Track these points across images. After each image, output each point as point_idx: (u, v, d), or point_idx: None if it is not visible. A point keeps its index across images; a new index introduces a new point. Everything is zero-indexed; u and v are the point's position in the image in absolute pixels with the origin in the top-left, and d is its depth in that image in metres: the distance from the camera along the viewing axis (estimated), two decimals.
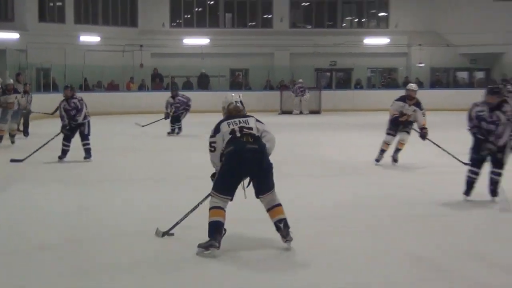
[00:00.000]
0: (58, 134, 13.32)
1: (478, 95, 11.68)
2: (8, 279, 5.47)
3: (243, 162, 5.47)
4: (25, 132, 17.37)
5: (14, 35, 28.37)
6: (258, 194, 5.66)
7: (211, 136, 5.73)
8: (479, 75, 34.39)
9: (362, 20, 36.17)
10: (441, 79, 33.32)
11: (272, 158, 6.64)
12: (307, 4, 35.57)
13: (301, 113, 27.70)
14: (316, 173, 11.17)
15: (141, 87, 30.13)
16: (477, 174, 8.00)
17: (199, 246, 5.36)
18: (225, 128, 5.65)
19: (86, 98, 18.49)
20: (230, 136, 5.57)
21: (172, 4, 34.11)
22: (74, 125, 12.49)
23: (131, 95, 29.29)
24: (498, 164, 7.83)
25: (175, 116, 18.10)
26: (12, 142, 15.47)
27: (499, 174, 7.84)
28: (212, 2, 34.81)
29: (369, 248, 6.23)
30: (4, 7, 29.66)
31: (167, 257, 5.69)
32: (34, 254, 6.41)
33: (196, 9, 34.68)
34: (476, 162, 7.99)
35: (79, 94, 15.07)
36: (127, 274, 5.46)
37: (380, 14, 35.82)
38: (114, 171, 12.40)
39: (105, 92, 29.71)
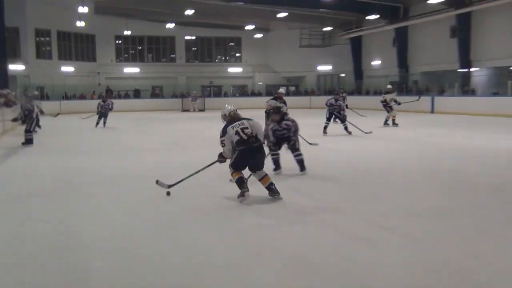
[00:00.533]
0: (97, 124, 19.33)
1: (292, 100, 24.04)
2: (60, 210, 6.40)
3: (252, 155, 6.55)
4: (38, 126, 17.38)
5: (21, 67, 33.33)
6: (255, 170, 6.69)
7: (221, 137, 6.64)
8: (292, 88, 42.31)
9: (227, 57, 44.21)
10: (271, 91, 35.88)
11: (185, 136, 14.15)
12: (195, 48, 43.25)
13: (194, 111, 33.05)
14: (202, 146, 12.51)
15: (100, 97, 31.19)
16: (279, 154, 8.63)
17: (238, 196, 6.39)
18: (230, 131, 6.53)
19: (67, 105, 27.90)
20: (237, 138, 6.47)
21: (116, 49, 41.20)
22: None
23: (94, 102, 27.41)
24: (295, 149, 8.45)
25: (103, 113, 19.84)
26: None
27: (299, 155, 8.51)
28: (140, 48, 41.83)
29: None
30: (14, 50, 33.19)
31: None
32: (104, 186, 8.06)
33: (131, 51, 41.71)
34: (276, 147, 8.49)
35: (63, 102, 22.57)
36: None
37: (237, 54, 43.94)
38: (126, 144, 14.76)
39: (77, 100, 34.81)
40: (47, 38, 37.08)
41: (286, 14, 32.00)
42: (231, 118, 6.73)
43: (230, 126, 6.58)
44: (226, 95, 40.24)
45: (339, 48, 38.63)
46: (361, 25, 35.27)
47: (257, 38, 42.02)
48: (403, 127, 17.73)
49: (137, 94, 38.26)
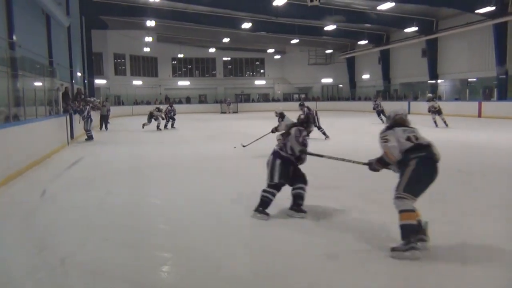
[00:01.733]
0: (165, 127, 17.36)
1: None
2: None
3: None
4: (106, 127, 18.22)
5: (103, 81, 34.48)
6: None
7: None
8: (303, 95, 41.14)
9: (254, 73, 43.98)
10: (287, 98, 40.39)
11: (223, 131, 18.40)
12: (230, 66, 42.93)
13: (229, 112, 32.76)
14: (234, 138, 13.23)
15: (161, 103, 30.76)
16: None
17: (398, 250, 3.41)
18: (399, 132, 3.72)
19: (138, 110, 27.61)
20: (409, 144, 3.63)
21: (173, 67, 41.20)
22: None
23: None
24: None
25: (171, 116, 17.67)
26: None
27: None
28: (190, 66, 41.77)
29: None
30: (99, 69, 34.15)
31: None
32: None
33: (183, 69, 41.76)
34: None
35: (135, 107, 22.71)
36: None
37: (261, 71, 43.75)
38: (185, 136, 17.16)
39: (144, 105, 33.57)
40: (123, 60, 37.53)
41: (298, 40, 32.62)
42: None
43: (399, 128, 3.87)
44: (253, 101, 40.58)
45: (338, 65, 38.70)
46: (354, 48, 35.23)
47: (276, 58, 42.08)
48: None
49: (188, 100, 38.39)
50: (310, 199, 4.68)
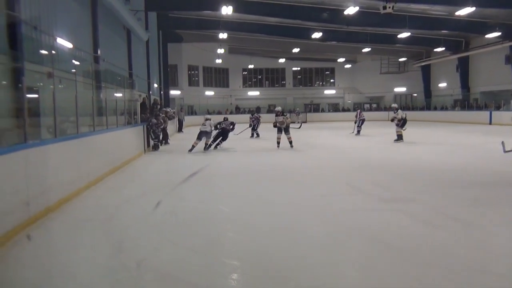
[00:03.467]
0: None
1: (374, 115, 24.44)
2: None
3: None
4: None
5: (178, 92, 35.17)
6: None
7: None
8: (374, 105, 41.27)
9: (324, 83, 43.63)
10: (358, 107, 35.76)
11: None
12: (299, 76, 43.02)
13: (298, 122, 30.27)
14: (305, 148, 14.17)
15: (231, 112, 35.25)
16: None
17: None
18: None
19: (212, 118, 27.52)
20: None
21: (243, 77, 41.90)
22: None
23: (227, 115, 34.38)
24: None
25: (254, 125, 18.25)
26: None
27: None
28: (260, 77, 42.31)
29: None
30: (174, 80, 35.37)
31: None
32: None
33: (254, 79, 42.38)
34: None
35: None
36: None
37: (331, 80, 43.35)
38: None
39: (216, 114, 31.25)
40: (196, 71, 38.57)
41: (370, 49, 31.79)
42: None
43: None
44: (322, 110, 40.12)
45: (412, 73, 37.54)
46: (430, 56, 34.04)
47: (347, 67, 41.69)
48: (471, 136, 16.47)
49: (258, 110, 36.45)
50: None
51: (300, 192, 6.65)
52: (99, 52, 13.04)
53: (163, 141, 14.71)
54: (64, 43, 9.83)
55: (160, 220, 5.08)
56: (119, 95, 11.73)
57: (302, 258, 3.77)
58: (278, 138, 12.88)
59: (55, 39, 9.06)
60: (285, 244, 4.14)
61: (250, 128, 18.16)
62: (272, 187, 7.07)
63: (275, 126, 12.84)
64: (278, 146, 12.76)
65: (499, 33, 23.74)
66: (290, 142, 12.76)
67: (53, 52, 8.57)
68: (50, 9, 9.56)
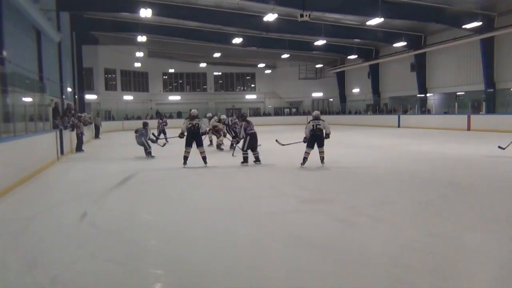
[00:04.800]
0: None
1: (294, 119, 26.50)
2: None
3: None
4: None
5: (94, 96, 33.75)
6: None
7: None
8: (293, 110, 42.25)
9: (245, 87, 44.09)
10: (278, 112, 41.30)
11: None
12: (221, 81, 43.17)
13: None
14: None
15: (151, 118, 32.47)
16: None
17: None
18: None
19: (127, 124, 27.59)
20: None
21: (163, 82, 41.23)
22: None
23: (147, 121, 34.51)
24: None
25: (162, 129, 17.32)
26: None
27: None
28: (181, 81, 41.86)
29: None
30: (89, 84, 33.75)
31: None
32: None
33: (174, 84, 41.80)
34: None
35: (124, 122, 22.22)
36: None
37: (252, 85, 43.90)
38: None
39: (135, 120, 31.54)
40: (113, 75, 37.36)
41: (288, 55, 32.96)
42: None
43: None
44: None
45: (328, 79, 39.08)
46: (344, 63, 35.74)
47: (267, 73, 42.43)
48: (379, 138, 17.55)
49: (179, 115, 37.15)
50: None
51: (225, 195, 6.67)
52: (4, 53, 12.10)
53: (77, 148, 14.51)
54: None
55: (78, 231, 4.83)
56: (28, 99, 11.02)
57: (227, 262, 3.77)
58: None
59: None
60: (210, 250, 4.11)
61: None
62: (195, 192, 7.03)
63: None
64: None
65: (405, 43, 25.76)
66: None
67: None
68: None
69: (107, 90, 36.49)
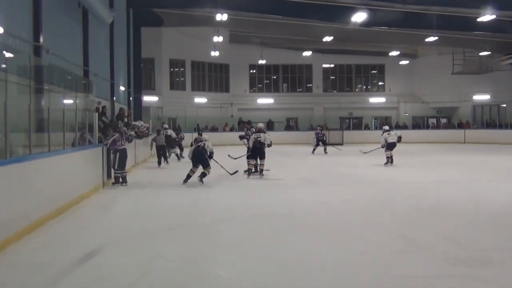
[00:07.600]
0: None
1: (443, 134, 26.47)
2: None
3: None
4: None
5: (155, 98, 36.06)
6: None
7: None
8: (443, 120, 41.66)
9: (368, 86, 44.02)
10: (419, 123, 40.44)
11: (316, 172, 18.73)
12: (333, 77, 43.41)
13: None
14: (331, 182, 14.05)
15: (232, 129, 36.12)
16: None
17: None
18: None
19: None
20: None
21: (250, 78, 42.33)
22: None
23: (226, 134, 33.60)
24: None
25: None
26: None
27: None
28: (275, 77, 42.72)
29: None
30: (149, 82, 36.23)
31: None
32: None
33: (265, 81, 42.69)
34: None
35: (194, 134, 21.58)
36: None
37: (380, 83, 43.76)
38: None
39: (209, 132, 33.69)
40: (181, 69, 39.21)
41: (436, 38, 31.37)
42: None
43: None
44: (367, 127, 39.91)
45: (499, 74, 37.68)
46: None
47: (402, 65, 41.58)
48: None
49: (270, 126, 38.05)
50: None
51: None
52: (41, 40, 13.01)
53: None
54: None
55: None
56: (69, 101, 11.66)
57: None
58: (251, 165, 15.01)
59: None
60: None
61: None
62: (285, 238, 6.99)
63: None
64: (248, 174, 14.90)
65: None
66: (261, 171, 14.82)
67: None
68: None
69: (172, 89, 38.29)
